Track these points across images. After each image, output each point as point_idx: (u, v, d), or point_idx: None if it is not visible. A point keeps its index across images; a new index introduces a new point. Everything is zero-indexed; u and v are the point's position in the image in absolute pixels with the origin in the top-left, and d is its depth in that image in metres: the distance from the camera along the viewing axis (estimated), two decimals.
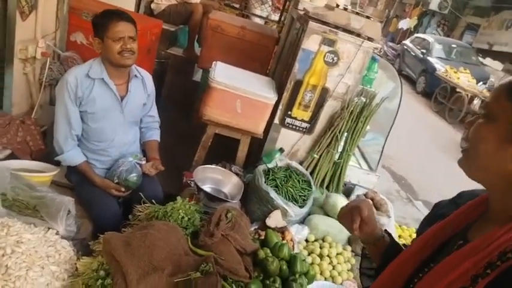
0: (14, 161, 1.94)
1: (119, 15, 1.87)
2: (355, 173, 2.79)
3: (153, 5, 4.29)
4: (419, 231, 0.98)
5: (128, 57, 1.89)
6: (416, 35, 14.13)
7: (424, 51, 11.69)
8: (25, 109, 2.36)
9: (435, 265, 0.78)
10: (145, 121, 2.25)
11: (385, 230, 1.09)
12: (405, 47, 12.98)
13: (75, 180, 2.07)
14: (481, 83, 9.09)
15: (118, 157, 2.10)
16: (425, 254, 0.85)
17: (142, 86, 2.10)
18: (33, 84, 2.35)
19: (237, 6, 5.96)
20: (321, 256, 2.19)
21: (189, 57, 4.28)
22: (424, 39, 12.50)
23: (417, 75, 11.48)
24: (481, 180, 0.76)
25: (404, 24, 18.09)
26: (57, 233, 1.61)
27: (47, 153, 2.26)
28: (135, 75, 2.05)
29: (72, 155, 1.95)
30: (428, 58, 11.18)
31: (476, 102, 8.34)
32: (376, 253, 1.06)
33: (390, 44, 15.55)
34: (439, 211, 0.95)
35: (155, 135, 2.28)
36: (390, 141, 2.95)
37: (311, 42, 2.35)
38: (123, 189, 2.01)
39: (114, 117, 2.00)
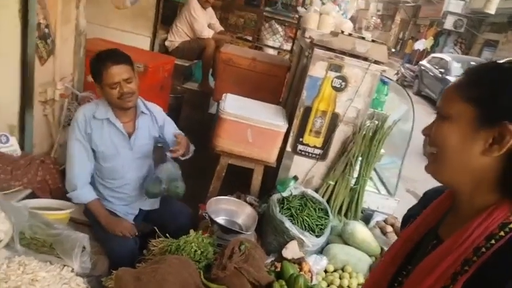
0: (32, 200, 1.99)
1: (111, 59, 1.83)
2: (373, 198, 2.72)
3: (167, 43, 4.48)
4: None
5: (128, 100, 1.89)
6: (433, 54, 14.04)
7: (442, 70, 11.56)
8: (45, 149, 2.46)
9: (413, 267, 0.79)
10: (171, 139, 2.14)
11: None
12: (423, 67, 12.88)
13: (92, 217, 2.11)
14: None
15: (134, 193, 2.13)
16: (401, 258, 0.86)
17: (152, 121, 2.10)
18: (52, 125, 2.45)
19: (250, 38, 6.14)
20: (341, 287, 2.11)
21: (204, 91, 4.39)
22: (441, 59, 12.39)
23: (437, 95, 11.29)
24: (451, 181, 0.77)
25: (420, 45, 18.07)
26: (72, 270, 1.63)
27: (66, 191, 2.32)
28: (142, 112, 2.04)
29: (83, 193, 1.97)
30: (448, 77, 11.03)
31: None
32: None
33: (407, 65, 15.48)
34: (407, 214, 0.98)
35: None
36: (413, 164, 2.86)
37: (317, 69, 2.38)
38: (132, 232, 1.99)
39: (123, 155, 2.02)
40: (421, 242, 0.85)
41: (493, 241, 0.68)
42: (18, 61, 2.05)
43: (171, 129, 2.17)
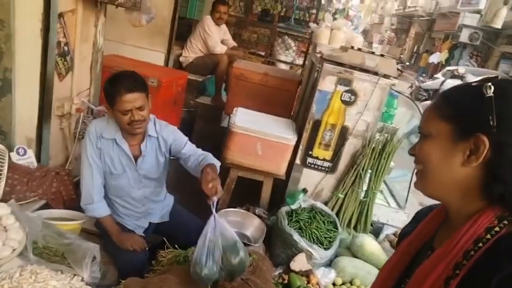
0: (46, 210, 2.05)
1: (126, 86, 1.79)
2: (383, 211, 2.70)
3: (181, 59, 4.58)
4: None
5: (138, 126, 1.87)
6: (447, 68, 13.91)
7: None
8: (61, 161, 2.53)
9: (410, 280, 0.83)
10: (188, 159, 2.03)
11: None
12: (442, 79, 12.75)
13: (103, 229, 2.15)
14: None
15: (141, 209, 2.12)
16: (398, 272, 0.90)
17: (158, 144, 2.04)
18: (68, 138, 2.53)
19: (263, 54, 6.22)
20: None
21: (217, 105, 4.46)
22: (456, 72, 12.27)
23: None
24: (439, 195, 0.82)
25: (435, 58, 17.94)
26: (82, 280, 1.66)
27: (79, 203, 2.38)
28: (150, 135, 2.00)
29: (98, 207, 1.99)
30: None
31: None
32: None
33: (421, 79, 15.36)
34: (402, 232, 1.02)
35: (208, 160, 1.98)
36: None
37: (327, 83, 2.41)
38: (142, 247, 1.99)
39: (130, 175, 2.02)
40: (417, 256, 0.89)
41: (480, 244, 0.72)
42: (38, 77, 2.13)
43: (183, 144, 2.06)
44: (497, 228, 0.72)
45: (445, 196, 0.81)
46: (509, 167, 0.72)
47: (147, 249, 2.05)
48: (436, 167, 0.79)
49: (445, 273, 0.74)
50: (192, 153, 2.05)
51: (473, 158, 0.74)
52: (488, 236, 0.72)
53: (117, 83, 1.80)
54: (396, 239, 2.46)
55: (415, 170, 0.86)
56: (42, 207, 2.10)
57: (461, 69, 12.15)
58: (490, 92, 0.73)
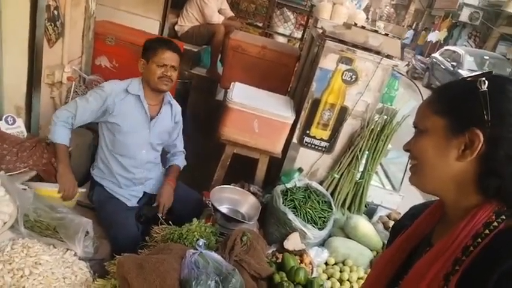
0: (39, 183, 2.00)
1: (169, 44, 2.04)
2: (378, 193, 2.70)
3: (176, 27, 4.43)
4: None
5: (165, 83, 2.03)
6: (446, 47, 13.79)
7: (454, 63, 11.37)
8: None
9: (406, 276, 0.83)
10: (171, 151, 2.36)
11: None
12: (434, 60, 12.67)
13: (96, 201, 2.13)
14: None
15: (140, 175, 2.16)
16: (393, 269, 0.90)
17: (171, 113, 2.22)
18: (59, 107, 2.45)
19: (260, 25, 6.05)
20: (341, 281, 2.11)
21: (212, 77, 4.36)
22: (454, 52, 12.17)
23: None
24: (435, 190, 0.83)
25: (434, 36, 17.73)
26: (75, 254, 1.64)
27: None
28: (169, 101, 2.19)
29: (59, 131, 1.99)
30: (459, 71, 10.85)
31: None
32: None
33: (419, 57, 15.23)
34: (397, 225, 1.02)
35: (177, 160, 2.36)
36: None
37: (328, 61, 2.34)
38: (70, 196, 1.98)
39: (140, 135, 2.10)
40: (415, 252, 0.88)
41: (479, 239, 0.72)
42: (26, 43, 2.03)
43: (178, 134, 2.34)
44: (495, 223, 0.72)
45: (440, 191, 0.82)
46: (504, 160, 0.72)
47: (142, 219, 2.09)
48: (431, 162, 0.80)
49: (444, 269, 0.74)
50: (179, 143, 2.37)
51: (468, 152, 0.74)
52: (487, 231, 0.72)
53: (162, 41, 2.10)
54: (390, 220, 2.48)
55: (410, 165, 0.86)
56: (33, 179, 2.05)
57: (460, 50, 12.03)
58: (484, 86, 0.73)
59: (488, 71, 0.78)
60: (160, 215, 2.03)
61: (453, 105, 0.78)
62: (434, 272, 0.74)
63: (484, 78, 0.74)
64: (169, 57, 2.01)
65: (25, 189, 1.76)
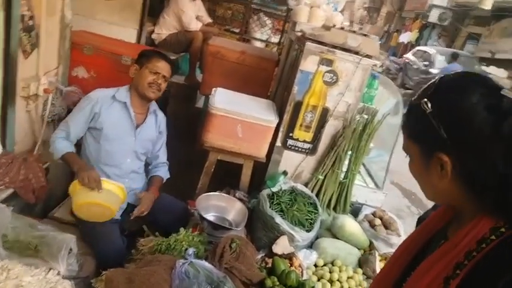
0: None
1: (164, 56, 2.16)
2: (361, 192, 2.73)
3: (154, 35, 4.37)
4: None
5: (153, 91, 2.08)
6: (417, 48, 14.16)
7: (426, 63, 11.68)
8: (28, 146, 2.37)
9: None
10: (153, 162, 2.35)
11: None
12: (407, 60, 12.99)
13: (80, 219, 2.05)
14: None
15: (127, 187, 2.08)
16: (406, 260, 0.89)
17: (155, 123, 2.25)
18: (35, 121, 2.36)
19: (237, 31, 6.06)
20: (331, 281, 2.11)
21: (191, 84, 4.31)
22: (425, 52, 12.51)
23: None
24: (443, 202, 0.85)
25: (405, 38, 18.18)
26: (58, 273, 1.58)
27: (49, 190, 2.26)
28: (154, 111, 2.23)
29: (59, 145, 2.01)
30: (431, 70, 11.16)
31: None
32: None
33: (392, 58, 15.58)
34: (422, 216, 1.01)
35: (159, 172, 2.34)
36: (398, 156, 2.88)
37: (309, 63, 2.35)
38: (96, 183, 1.86)
39: (126, 142, 2.10)
40: (430, 243, 0.87)
41: (483, 245, 0.70)
42: (0, 54, 1.96)
43: (161, 145, 2.35)
44: (502, 229, 0.69)
45: (444, 201, 0.83)
46: (480, 174, 0.70)
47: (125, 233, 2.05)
48: (424, 182, 0.81)
49: (445, 273, 0.72)
50: (162, 155, 2.36)
51: (444, 173, 0.73)
52: (493, 237, 0.70)
53: (158, 52, 2.23)
54: (376, 218, 2.51)
55: None
56: (9, 197, 1.97)
57: (431, 50, 12.38)
58: (429, 106, 0.73)
59: (432, 81, 0.76)
60: (132, 218, 2.02)
61: (415, 131, 0.79)
62: (434, 273, 0.73)
63: (425, 100, 0.73)
64: (163, 67, 2.09)
65: (2, 208, 1.69)
